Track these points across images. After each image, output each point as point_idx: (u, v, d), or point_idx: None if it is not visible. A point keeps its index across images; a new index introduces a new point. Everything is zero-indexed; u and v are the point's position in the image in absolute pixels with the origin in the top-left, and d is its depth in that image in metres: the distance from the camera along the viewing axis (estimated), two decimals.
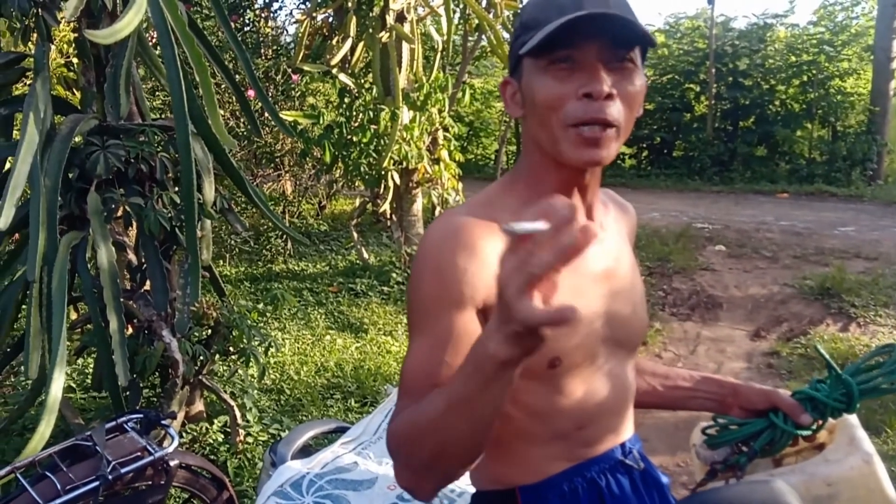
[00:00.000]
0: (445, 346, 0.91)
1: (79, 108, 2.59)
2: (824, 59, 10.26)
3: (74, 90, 3.53)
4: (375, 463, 1.62)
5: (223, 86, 5.23)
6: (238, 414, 2.88)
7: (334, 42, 5.37)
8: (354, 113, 5.27)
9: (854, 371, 1.16)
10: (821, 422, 1.17)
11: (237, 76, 4.30)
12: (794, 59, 10.54)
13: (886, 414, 3.15)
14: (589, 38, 0.90)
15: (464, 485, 1.51)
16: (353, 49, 5.31)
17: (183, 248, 2.52)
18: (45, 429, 2.02)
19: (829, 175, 9.57)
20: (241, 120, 5.99)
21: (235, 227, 2.86)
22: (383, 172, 5.25)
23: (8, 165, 2.38)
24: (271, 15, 7.19)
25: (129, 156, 2.38)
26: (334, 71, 5.22)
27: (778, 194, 9.08)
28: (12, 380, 3.53)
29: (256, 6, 6.90)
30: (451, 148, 5.70)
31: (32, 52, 2.38)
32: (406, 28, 5.18)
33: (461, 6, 5.91)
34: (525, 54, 0.94)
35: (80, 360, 3.52)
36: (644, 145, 11.66)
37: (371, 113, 5.14)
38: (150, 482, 1.87)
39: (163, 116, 4.61)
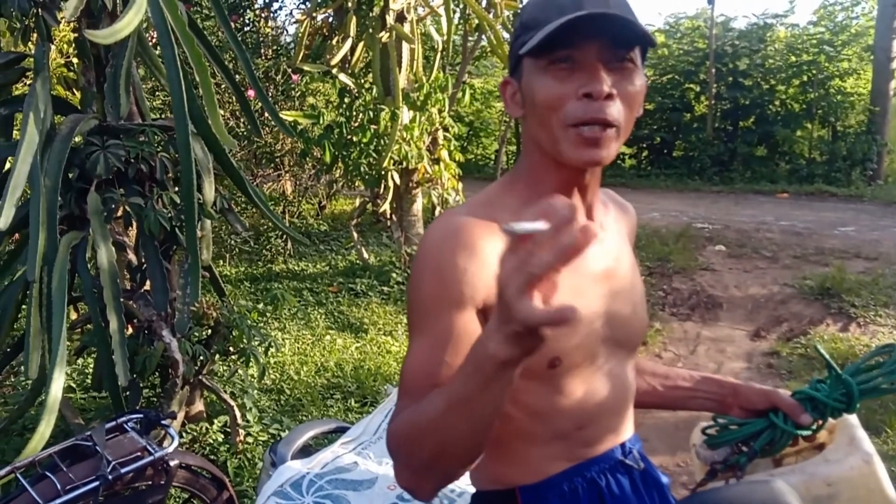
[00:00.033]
0: (445, 346, 0.91)
1: (79, 108, 2.59)
2: (824, 59, 10.26)
3: (74, 90, 3.53)
4: (375, 463, 1.62)
5: (223, 86, 5.23)
6: (238, 414, 2.88)
7: (334, 42, 5.37)
8: (354, 113, 5.27)
9: (854, 371, 1.16)
10: (821, 422, 1.17)
11: (237, 76, 4.30)
12: (794, 59, 10.54)
13: (886, 414, 3.15)
14: (589, 38, 0.90)
15: (464, 485, 1.51)
16: (353, 49, 5.31)
17: (183, 248, 2.52)
18: (45, 429, 2.01)
19: (829, 175, 9.57)
20: (241, 120, 5.99)
21: (235, 227, 2.86)
22: (383, 172, 5.25)
23: (8, 165, 2.38)
24: (271, 15, 7.19)
25: (129, 156, 2.38)
26: (334, 71, 5.22)
27: (778, 194, 9.08)
28: (12, 380, 3.53)
29: (256, 6, 6.91)
30: (451, 148, 5.70)
31: (32, 52, 2.38)
32: (406, 28, 5.19)
33: (461, 6, 5.91)
34: (525, 54, 0.94)
35: (80, 360, 3.52)
36: (644, 145, 11.66)
37: (371, 113, 5.14)
38: (150, 482, 1.87)
39: (163, 116, 4.62)
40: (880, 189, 8.94)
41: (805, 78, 10.46)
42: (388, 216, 5.66)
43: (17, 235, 2.58)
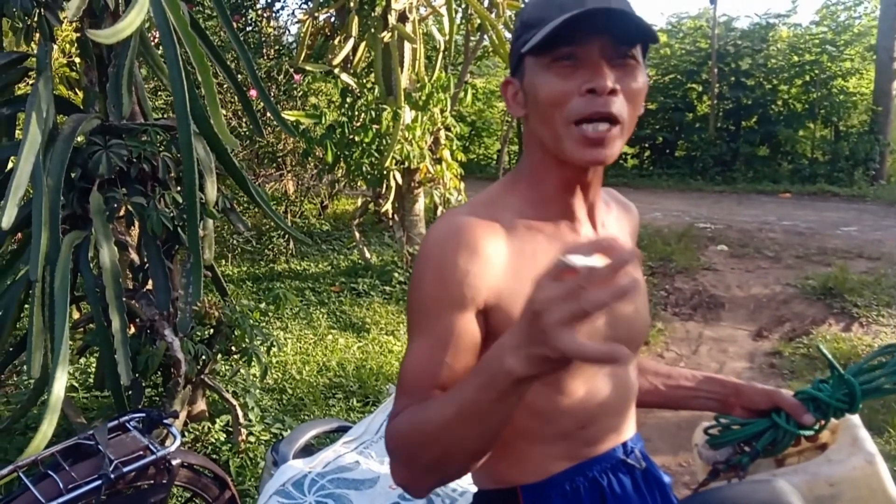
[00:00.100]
0: (446, 346, 0.91)
1: (81, 107, 2.59)
2: (827, 58, 10.25)
3: (77, 90, 3.54)
4: (377, 462, 1.62)
5: (225, 85, 5.24)
6: (240, 413, 2.89)
7: (336, 42, 5.37)
8: (356, 113, 5.28)
9: (857, 371, 1.16)
10: (823, 422, 1.17)
11: (239, 76, 4.30)
12: (796, 58, 10.54)
13: (889, 414, 3.14)
14: (591, 35, 0.90)
15: (465, 484, 1.51)
16: (355, 49, 5.31)
17: (185, 248, 2.52)
18: (48, 428, 2.02)
19: (831, 175, 9.56)
20: (244, 119, 5.99)
21: (238, 226, 2.86)
22: (385, 172, 5.25)
23: (11, 165, 2.38)
24: (273, 15, 7.20)
25: (132, 155, 2.38)
26: (336, 71, 5.22)
27: (780, 194, 9.07)
28: (15, 379, 3.53)
29: (258, 6, 6.91)
30: (454, 148, 5.70)
31: (35, 51, 2.38)
32: (408, 28, 5.19)
33: (463, 6, 5.91)
34: (527, 53, 0.94)
35: (82, 360, 3.52)
36: (646, 145, 11.66)
37: (373, 113, 5.14)
38: (152, 481, 1.87)
39: (165, 116, 4.62)
40: (883, 189, 8.92)
41: (807, 78, 10.45)
42: (391, 216, 5.66)
43: (19, 235, 2.58)
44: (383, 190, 5.46)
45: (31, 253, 2.08)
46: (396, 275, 5.38)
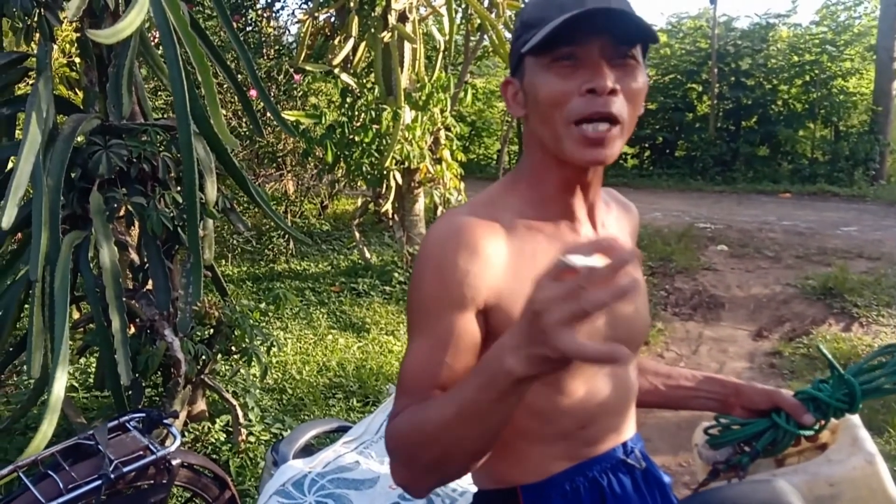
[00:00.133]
0: (446, 346, 0.92)
1: (81, 107, 2.59)
2: (827, 58, 10.25)
3: (77, 90, 3.54)
4: (377, 462, 1.62)
5: (225, 85, 5.24)
6: (240, 413, 2.89)
7: (336, 42, 5.37)
8: (356, 113, 5.28)
9: (857, 371, 1.16)
10: (823, 422, 1.16)
11: (239, 76, 4.30)
12: (796, 58, 10.54)
13: (889, 414, 3.14)
14: (591, 35, 0.90)
15: (465, 484, 1.51)
16: (355, 49, 5.31)
17: (185, 248, 2.52)
18: (48, 428, 2.02)
19: (831, 175, 9.56)
20: (244, 119, 6.00)
21: (237, 226, 2.86)
22: (385, 172, 5.25)
23: (11, 165, 2.38)
24: (273, 15, 7.20)
25: (132, 155, 2.38)
26: (336, 71, 5.22)
27: (780, 194, 9.07)
28: (15, 379, 3.53)
29: (258, 6, 6.91)
30: (454, 148, 5.70)
31: (35, 51, 2.38)
32: (408, 28, 5.19)
33: (463, 6, 5.91)
34: (527, 53, 0.94)
35: (82, 360, 3.52)
36: (646, 145, 11.66)
37: (373, 113, 5.14)
38: (152, 481, 1.87)
39: (165, 116, 4.62)
40: (883, 189, 8.93)
41: (807, 78, 10.45)
42: (391, 216, 5.66)
43: (19, 235, 2.58)
44: (383, 190, 5.46)
45: (31, 253, 2.08)
46: (396, 275, 5.38)
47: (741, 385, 1.22)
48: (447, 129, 5.65)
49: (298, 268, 5.94)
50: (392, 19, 5.11)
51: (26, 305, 2.41)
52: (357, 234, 5.77)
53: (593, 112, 0.91)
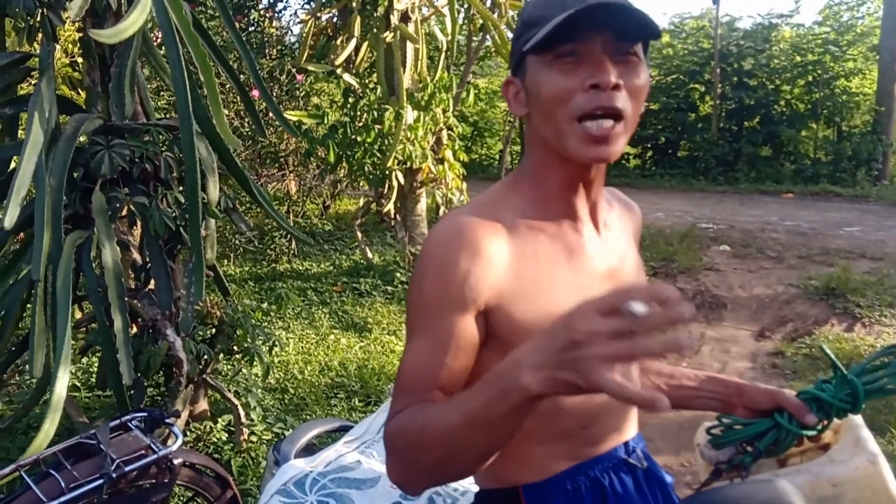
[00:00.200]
0: (446, 347, 0.92)
1: (84, 107, 2.59)
2: (829, 58, 10.25)
3: (79, 90, 3.54)
4: (379, 462, 1.62)
5: (228, 86, 5.24)
6: (242, 413, 2.89)
7: (338, 42, 5.38)
8: (359, 113, 5.28)
9: (859, 371, 1.15)
10: (826, 422, 1.16)
11: (242, 76, 4.30)
12: (799, 59, 10.53)
13: (892, 414, 3.14)
14: (593, 32, 0.90)
15: (467, 483, 1.51)
16: (357, 49, 5.32)
17: (187, 248, 2.52)
18: (50, 427, 2.02)
19: (834, 175, 9.56)
20: (246, 120, 6.00)
21: (240, 226, 2.86)
22: (387, 172, 5.26)
23: (13, 165, 2.39)
24: (276, 15, 7.20)
25: (134, 155, 2.38)
26: (339, 71, 5.22)
27: (783, 194, 9.06)
28: (17, 378, 3.53)
29: (261, 6, 6.92)
30: (456, 148, 5.71)
31: (37, 51, 2.39)
32: (410, 28, 5.19)
33: (465, 6, 5.91)
34: (529, 51, 0.94)
35: (84, 359, 3.52)
36: (649, 145, 11.66)
37: (375, 113, 5.15)
38: (153, 480, 1.87)
39: (167, 116, 4.62)
40: (886, 189, 8.92)
41: (810, 78, 10.45)
42: (393, 216, 5.66)
43: (21, 234, 2.58)
44: (385, 190, 5.47)
45: (34, 252, 2.08)
46: (398, 275, 5.38)
47: (743, 385, 1.22)
48: (449, 129, 5.65)
49: (300, 268, 5.94)
50: (394, 19, 5.11)
51: (28, 305, 2.41)
52: (359, 234, 5.77)
53: (597, 107, 0.90)
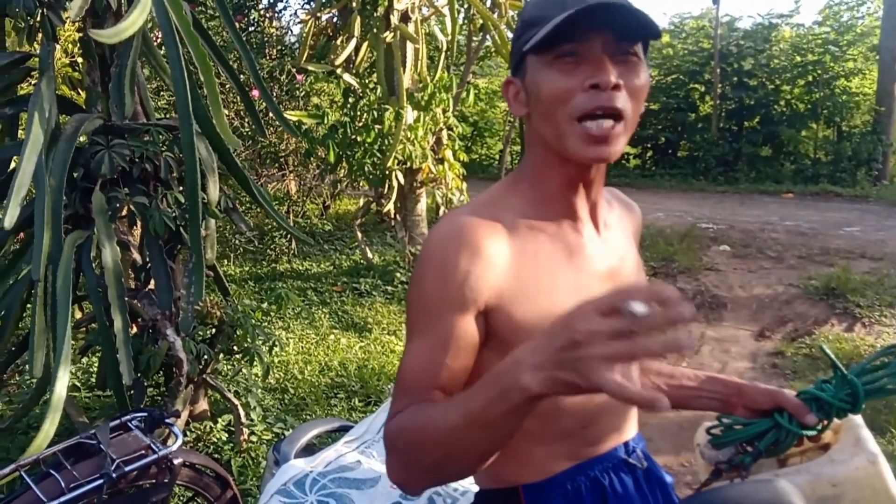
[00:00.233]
0: (446, 347, 0.92)
1: (84, 107, 2.59)
2: (829, 58, 10.25)
3: (79, 90, 3.54)
4: (379, 462, 1.62)
5: (228, 86, 5.24)
6: (242, 413, 2.89)
7: (339, 42, 5.38)
8: (359, 113, 5.28)
9: (859, 371, 1.15)
10: (826, 422, 1.16)
11: (242, 76, 4.30)
12: (799, 59, 10.54)
13: (892, 414, 3.14)
14: (593, 31, 0.90)
15: (467, 483, 1.51)
16: (357, 49, 5.31)
17: (187, 248, 2.52)
18: (50, 427, 2.02)
19: (834, 175, 9.56)
20: (246, 120, 6.00)
21: (240, 226, 2.86)
22: (387, 172, 5.26)
23: (13, 165, 2.38)
24: (276, 15, 7.20)
25: (134, 155, 2.38)
26: (339, 71, 5.22)
27: (783, 194, 9.06)
28: (17, 378, 3.53)
29: (261, 6, 6.91)
30: (456, 148, 5.70)
31: (37, 51, 2.38)
32: (410, 28, 5.19)
33: (465, 6, 5.91)
34: (529, 51, 0.94)
35: (84, 359, 3.52)
36: (649, 145, 11.66)
37: (375, 113, 5.14)
38: (153, 480, 1.87)
39: (167, 116, 4.62)
40: (885, 189, 8.92)
41: (810, 78, 10.45)
42: (393, 216, 5.66)
43: (22, 235, 2.58)
44: (385, 190, 5.47)
45: (34, 252, 2.08)
46: (398, 275, 5.38)
47: (743, 385, 1.22)
48: (449, 129, 5.65)
49: (300, 268, 5.94)
50: (394, 19, 5.11)
51: (29, 305, 2.41)
52: (359, 234, 5.77)
53: (597, 107, 0.90)
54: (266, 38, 6.71)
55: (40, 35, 2.38)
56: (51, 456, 1.77)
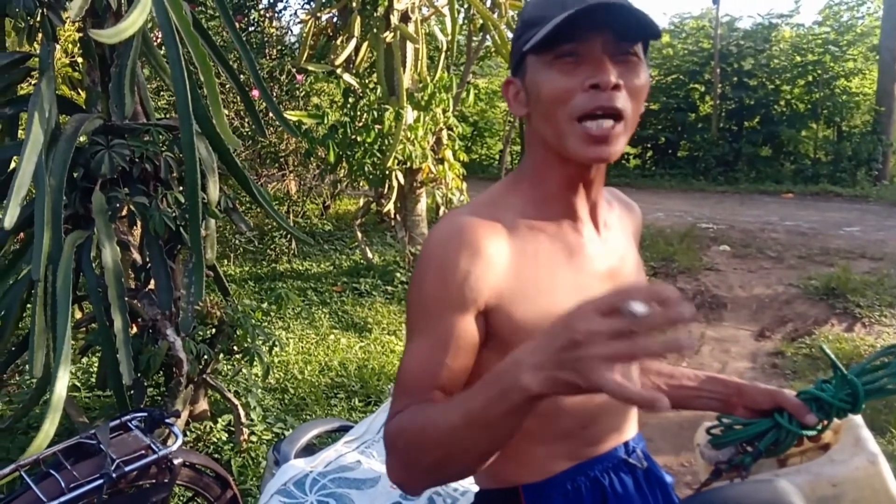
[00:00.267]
0: (446, 347, 0.92)
1: (84, 107, 2.59)
2: (829, 58, 10.25)
3: (79, 90, 3.54)
4: (378, 462, 1.62)
5: (228, 86, 5.24)
6: (242, 413, 2.89)
7: (339, 42, 5.38)
8: (359, 113, 5.28)
9: (860, 371, 1.15)
10: (826, 422, 1.16)
11: (242, 76, 4.30)
12: (799, 59, 10.54)
13: (891, 414, 3.14)
14: (593, 31, 0.90)
15: (467, 483, 1.51)
16: (357, 49, 5.31)
17: (187, 248, 2.52)
18: (50, 427, 2.02)
19: (834, 175, 9.56)
20: (246, 120, 6.00)
21: (240, 226, 2.86)
22: (387, 172, 5.26)
23: (13, 165, 2.38)
24: (276, 15, 7.20)
25: (134, 155, 2.38)
26: (339, 71, 5.22)
27: (783, 194, 9.06)
28: (17, 378, 3.53)
29: (261, 6, 6.91)
30: (456, 148, 5.70)
31: (37, 51, 2.38)
32: (410, 28, 5.19)
33: (465, 6, 5.91)
34: (529, 51, 0.94)
35: (84, 359, 3.52)
36: (649, 145, 11.66)
37: (375, 113, 5.14)
38: (153, 480, 1.87)
39: (167, 116, 4.62)
40: (886, 189, 8.92)
41: (810, 78, 10.45)
42: (393, 216, 5.66)
43: (22, 235, 2.58)
44: (385, 190, 5.47)
45: (34, 252, 2.08)
46: (398, 275, 5.38)
47: (744, 385, 1.22)
48: (449, 129, 5.65)
49: (300, 268, 5.94)
50: (394, 19, 5.11)
51: (29, 305, 2.41)
52: (359, 234, 5.77)
53: (597, 106, 0.90)
54: (266, 38, 6.71)
55: (40, 35, 2.38)
56: (51, 456, 1.77)
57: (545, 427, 1.01)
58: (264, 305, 4.38)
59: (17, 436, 2.90)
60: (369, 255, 5.79)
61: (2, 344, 2.46)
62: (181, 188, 2.51)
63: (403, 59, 5.18)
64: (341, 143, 5.21)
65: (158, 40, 3.13)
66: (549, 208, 1.01)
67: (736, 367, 4.01)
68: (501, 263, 0.95)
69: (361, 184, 5.76)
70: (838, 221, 7.06)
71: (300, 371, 3.83)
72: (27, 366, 2.23)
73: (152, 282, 2.57)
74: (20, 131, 2.66)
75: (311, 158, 6.12)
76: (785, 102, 10.77)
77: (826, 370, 3.60)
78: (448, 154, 5.59)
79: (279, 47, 6.85)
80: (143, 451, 1.82)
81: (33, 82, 2.46)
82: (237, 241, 6.11)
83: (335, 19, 5.60)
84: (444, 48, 5.72)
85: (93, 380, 3.34)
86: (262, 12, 6.86)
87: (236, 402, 2.87)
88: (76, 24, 3.03)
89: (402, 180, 5.40)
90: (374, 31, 5.17)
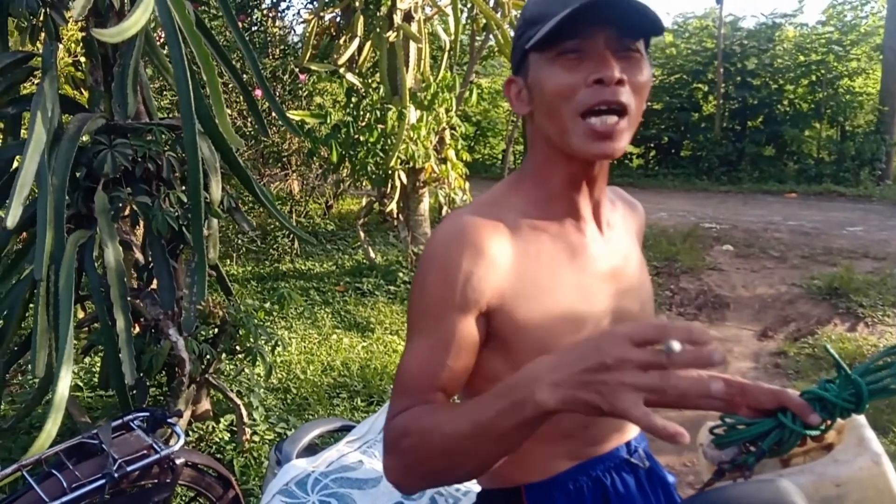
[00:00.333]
0: (448, 348, 0.91)
1: (86, 107, 2.59)
2: (833, 58, 10.24)
3: (82, 89, 3.55)
4: (380, 462, 1.62)
5: (230, 85, 5.24)
6: (244, 412, 2.89)
7: (342, 42, 5.37)
8: (362, 112, 5.27)
9: (863, 371, 1.15)
10: (829, 422, 1.16)
11: (244, 76, 4.29)
12: (802, 58, 10.52)
13: (894, 414, 3.13)
14: (596, 27, 0.90)
15: (469, 483, 1.50)
16: (360, 49, 5.31)
17: (190, 247, 2.52)
18: (52, 427, 2.02)
19: (837, 175, 9.55)
20: (249, 119, 6.00)
21: (242, 226, 2.86)
22: (390, 172, 5.25)
23: (16, 164, 2.39)
24: (279, 14, 7.21)
25: (137, 155, 2.39)
26: (341, 70, 5.22)
27: (786, 194, 9.05)
28: (20, 378, 3.54)
29: (264, 6, 6.92)
30: (458, 147, 5.70)
31: (40, 51, 2.39)
32: (413, 27, 5.18)
33: (469, 6, 5.91)
34: (531, 48, 0.94)
35: (87, 359, 3.53)
36: (652, 145, 11.65)
37: (378, 112, 5.14)
38: (156, 480, 1.87)
39: (170, 116, 4.62)
40: (889, 189, 8.90)
41: (814, 77, 10.43)
42: (395, 216, 5.66)
43: (24, 234, 2.58)
44: (388, 190, 5.46)
45: (36, 252, 2.08)
46: (401, 274, 5.38)
47: (747, 384, 1.21)
48: (452, 128, 5.65)
49: (303, 267, 5.95)
50: (397, 19, 5.10)
51: (31, 304, 2.41)
52: (362, 234, 5.77)
53: (601, 101, 0.90)
54: (269, 38, 6.72)
55: (43, 34, 2.38)
56: (53, 456, 1.78)
57: (547, 426, 1.00)
58: (267, 305, 4.39)
59: (19, 435, 2.90)
60: (372, 254, 5.79)
61: (4, 344, 2.46)
62: (184, 188, 2.51)
63: (406, 59, 5.18)
64: (344, 143, 5.21)
65: (161, 40, 3.14)
66: (551, 208, 1.01)
67: (739, 367, 4.00)
68: (504, 264, 0.94)
69: (364, 183, 5.76)
70: (841, 221, 7.05)
71: (302, 371, 3.83)
72: (29, 365, 2.23)
73: (155, 281, 2.57)
74: (23, 131, 2.66)
75: (314, 158, 6.12)
76: (788, 102, 10.76)
77: (829, 370, 3.59)
78: (451, 154, 5.59)
79: (282, 47, 6.86)
80: (145, 451, 1.82)
81: (36, 82, 2.46)
82: (240, 241, 6.11)
83: (338, 19, 5.60)
84: (448, 48, 5.72)
85: (95, 379, 3.35)
86: (265, 12, 6.87)
87: (239, 401, 2.87)
88: (79, 24, 3.03)
89: (404, 180, 5.40)
90: (378, 30, 5.16)
